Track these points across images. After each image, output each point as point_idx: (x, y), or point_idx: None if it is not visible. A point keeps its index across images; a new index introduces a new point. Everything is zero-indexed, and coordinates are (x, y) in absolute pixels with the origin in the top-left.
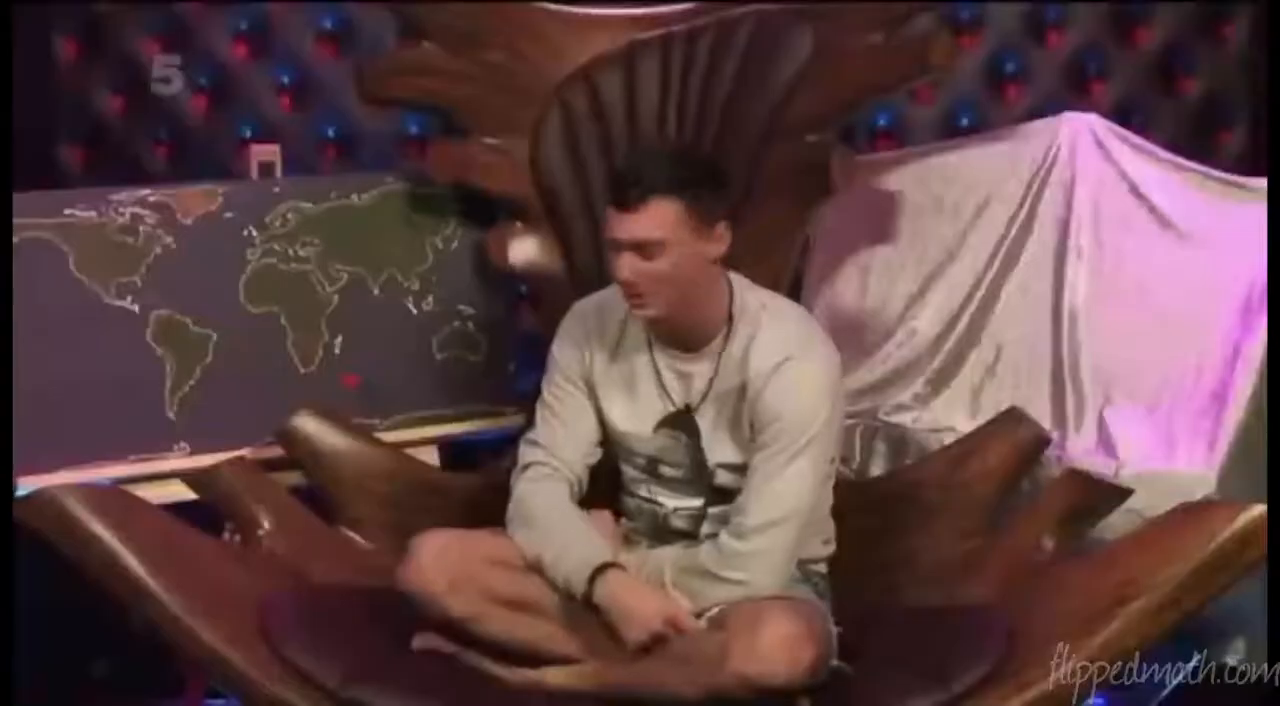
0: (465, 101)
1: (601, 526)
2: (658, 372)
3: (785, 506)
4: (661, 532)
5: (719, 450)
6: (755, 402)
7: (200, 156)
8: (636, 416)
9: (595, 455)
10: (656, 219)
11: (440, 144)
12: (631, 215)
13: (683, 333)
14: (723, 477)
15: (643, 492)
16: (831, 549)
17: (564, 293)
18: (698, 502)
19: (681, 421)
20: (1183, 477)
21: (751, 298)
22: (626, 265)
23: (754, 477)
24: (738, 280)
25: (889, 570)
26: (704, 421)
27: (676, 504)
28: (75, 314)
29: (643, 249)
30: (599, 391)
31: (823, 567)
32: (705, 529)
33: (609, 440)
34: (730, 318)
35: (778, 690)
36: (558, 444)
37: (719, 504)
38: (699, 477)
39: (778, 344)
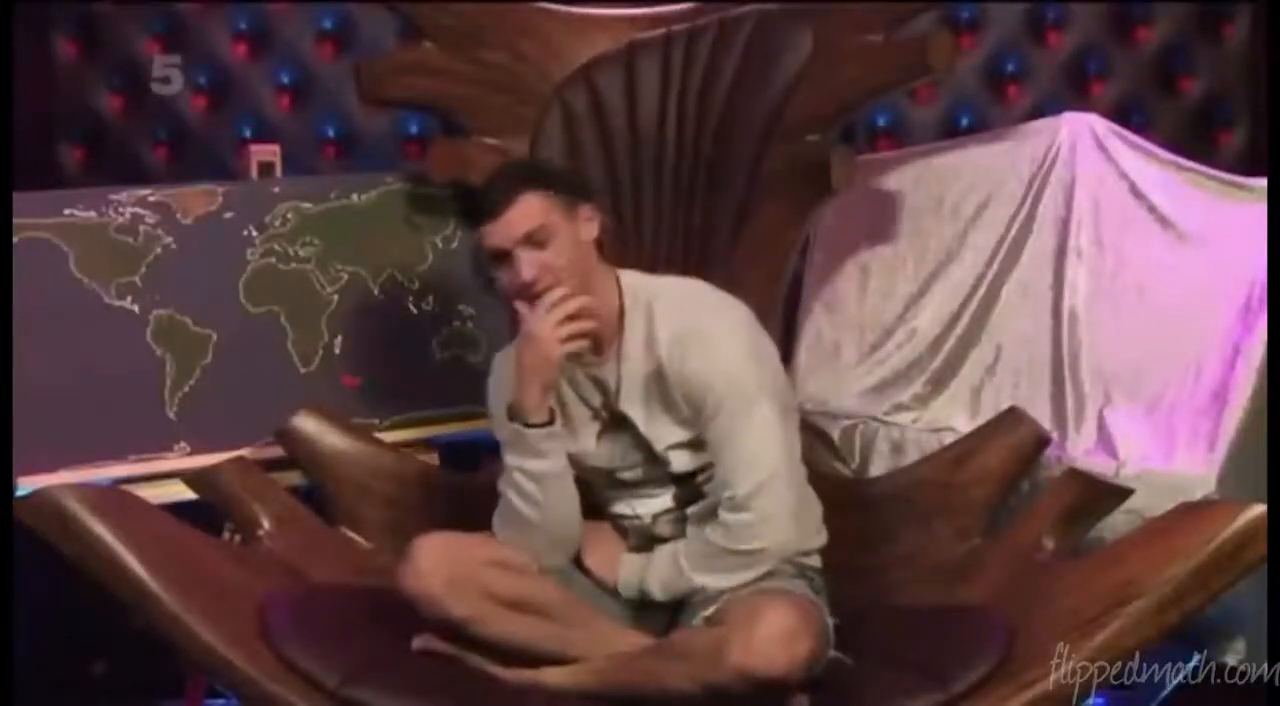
0: (465, 101)
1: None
2: (575, 387)
3: (767, 464)
4: (651, 541)
5: (663, 434)
6: (679, 380)
7: (200, 156)
8: (576, 437)
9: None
10: (529, 209)
11: (440, 144)
12: (505, 217)
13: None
14: (679, 461)
15: (619, 509)
16: (824, 538)
17: None
18: (669, 498)
19: (617, 422)
20: (1183, 478)
21: (639, 283)
22: (524, 263)
23: (724, 452)
24: (624, 272)
25: (889, 570)
26: (635, 413)
27: (652, 509)
28: (75, 314)
29: (530, 241)
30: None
31: (816, 561)
32: (691, 528)
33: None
34: (622, 308)
35: (776, 682)
36: None
37: (689, 497)
38: (657, 470)
39: (677, 315)
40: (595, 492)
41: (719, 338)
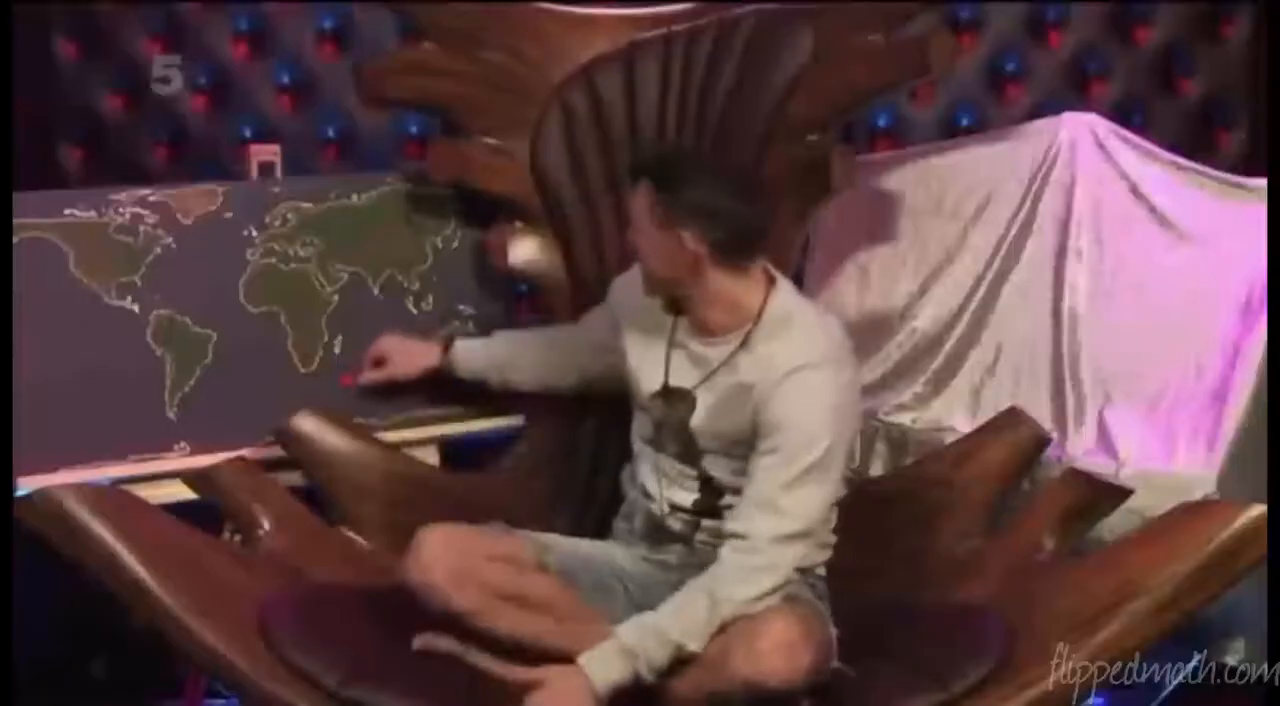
0: (465, 101)
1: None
2: (671, 345)
3: (802, 522)
4: (658, 533)
5: (709, 438)
6: (763, 406)
7: (200, 156)
8: (646, 371)
9: (600, 359)
10: (635, 198)
11: (440, 144)
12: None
13: (697, 317)
14: (712, 466)
15: (647, 482)
16: (829, 554)
17: (564, 292)
18: (689, 498)
19: (682, 399)
20: (1183, 478)
21: (789, 304)
22: (629, 234)
23: (764, 487)
24: (784, 286)
25: (889, 570)
26: (704, 402)
27: (672, 499)
28: (75, 314)
29: (632, 220)
30: (624, 332)
31: (821, 569)
32: (700, 537)
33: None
34: (759, 319)
35: (778, 692)
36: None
37: (710, 506)
38: (690, 456)
39: (796, 352)
40: (634, 442)
41: (817, 387)
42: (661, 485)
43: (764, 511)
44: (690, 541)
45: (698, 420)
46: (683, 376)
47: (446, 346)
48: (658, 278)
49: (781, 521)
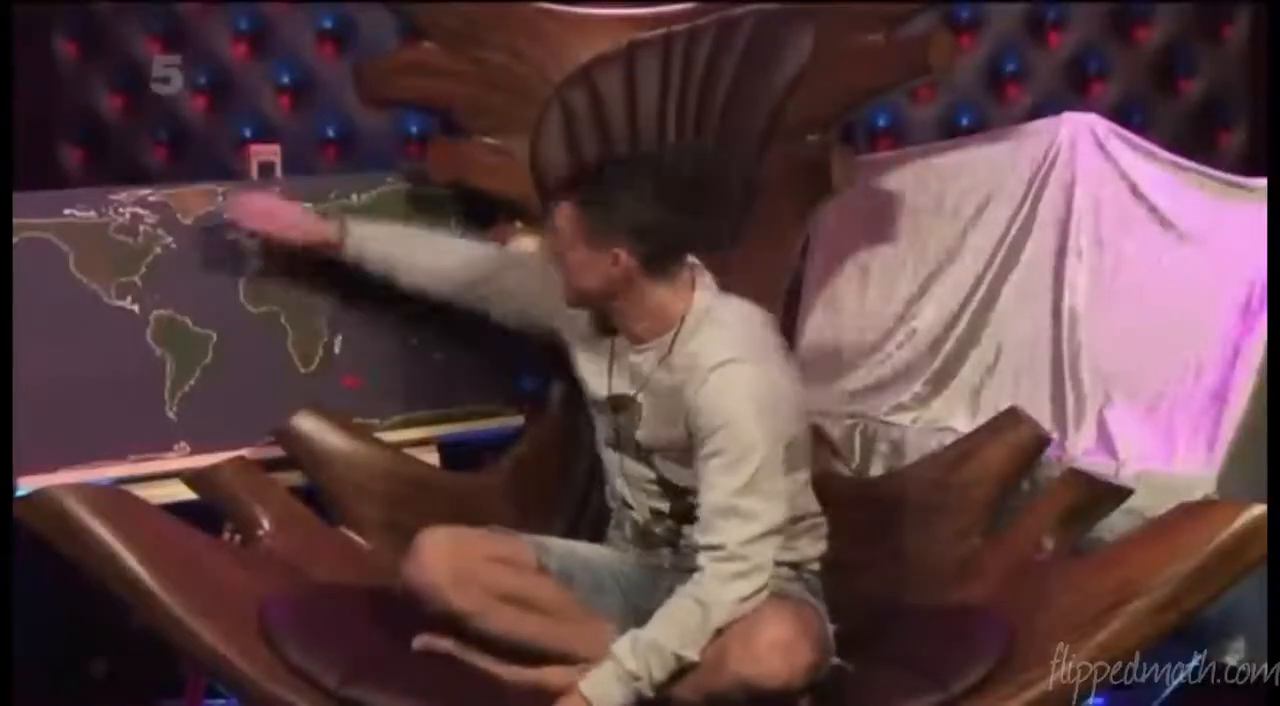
0: (465, 101)
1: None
2: (613, 353)
3: (767, 520)
4: (646, 539)
5: (654, 443)
6: (692, 407)
7: (200, 156)
8: (591, 377)
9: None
10: (559, 216)
11: (440, 144)
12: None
13: (624, 327)
14: (664, 468)
15: (624, 493)
16: (823, 548)
17: None
18: (665, 504)
19: (627, 406)
20: (1183, 478)
21: (709, 302)
22: (546, 245)
23: (720, 495)
24: (704, 286)
25: (889, 569)
26: (646, 404)
27: (648, 507)
28: (75, 314)
29: (555, 237)
30: (569, 334)
31: (815, 565)
32: (684, 542)
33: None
34: (682, 321)
35: (776, 692)
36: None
37: (684, 510)
38: (649, 465)
39: (716, 349)
40: (602, 449)
41: (739, 381)
42: (632, 492)
43: (728, 518)
44: (676, 545)
45: (642, 431)
46: (624, 384)
47: (340, 225)
48: (585, 291)
49: (748, 524)
